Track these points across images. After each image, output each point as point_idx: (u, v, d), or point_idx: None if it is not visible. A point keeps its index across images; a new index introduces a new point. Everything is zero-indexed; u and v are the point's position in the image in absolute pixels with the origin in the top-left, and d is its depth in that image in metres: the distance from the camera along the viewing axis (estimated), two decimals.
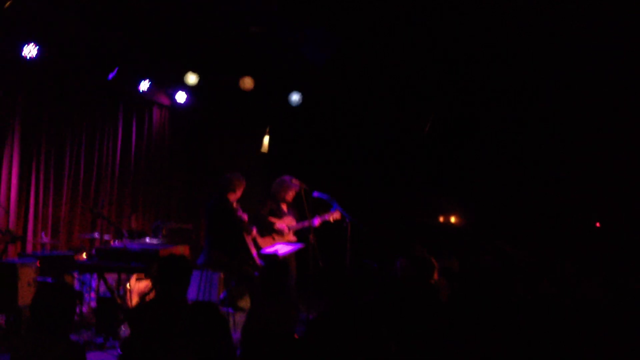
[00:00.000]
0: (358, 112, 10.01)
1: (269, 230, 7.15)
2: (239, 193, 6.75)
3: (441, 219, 10.92)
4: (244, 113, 9.91)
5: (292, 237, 7.29)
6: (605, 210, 9.32)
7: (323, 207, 7.22)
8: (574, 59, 8.13)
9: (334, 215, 7.09)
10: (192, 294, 6.57)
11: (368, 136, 10.30)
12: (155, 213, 9.44)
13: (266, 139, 9.62)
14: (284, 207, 7.34)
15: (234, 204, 6.70)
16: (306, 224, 6.97)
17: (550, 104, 9.16)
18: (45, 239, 7.35)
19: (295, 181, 7.16)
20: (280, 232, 7.16)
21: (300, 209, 7.20)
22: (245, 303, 7.37)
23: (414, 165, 10.28)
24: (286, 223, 7.24)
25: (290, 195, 7.28)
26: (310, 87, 9.42)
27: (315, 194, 7.01)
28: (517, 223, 9.43)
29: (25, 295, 5.90)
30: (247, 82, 8.87)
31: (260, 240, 7.02)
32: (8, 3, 5.97)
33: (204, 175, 10.25)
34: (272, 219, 7.20)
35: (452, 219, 10.90)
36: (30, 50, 7.14)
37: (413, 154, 10.25)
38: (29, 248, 7.53)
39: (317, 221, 7.11)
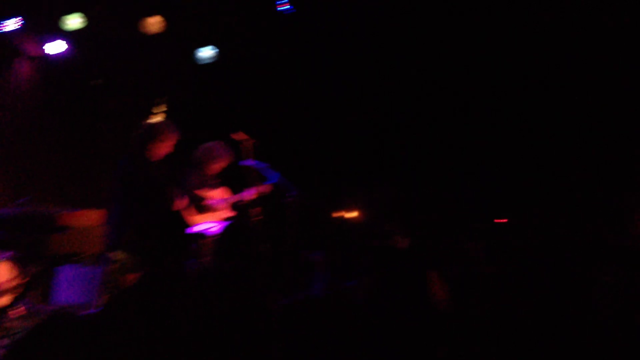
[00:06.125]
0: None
1: (199, 207, 5.85)
2: (164, 147, 5.07)
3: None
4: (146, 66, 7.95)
5: (229, 213, 6.02)
6: None
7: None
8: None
9: (268, 188, 5.70)
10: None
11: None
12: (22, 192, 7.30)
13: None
14: (212, 179, 6.06)
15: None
16: (247, 194, 5.78)
17: None
18: None
19: (226, 150, 5.94)
20: (214, 208, 5.89)
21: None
22: None
23: None
24: (220, 196, 6.02)
25: (219, 167, 6.04)
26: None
27: (246, 162, 5.54)
28: None
29: None
30: (153, 24, 7.04)
31: (193, 219, 5.72)
32: None
33: (90, 152, 8.16)
34: (202, 193, 5.87)
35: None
36: None
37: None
38: None
39: (253, 192, 5.70)
